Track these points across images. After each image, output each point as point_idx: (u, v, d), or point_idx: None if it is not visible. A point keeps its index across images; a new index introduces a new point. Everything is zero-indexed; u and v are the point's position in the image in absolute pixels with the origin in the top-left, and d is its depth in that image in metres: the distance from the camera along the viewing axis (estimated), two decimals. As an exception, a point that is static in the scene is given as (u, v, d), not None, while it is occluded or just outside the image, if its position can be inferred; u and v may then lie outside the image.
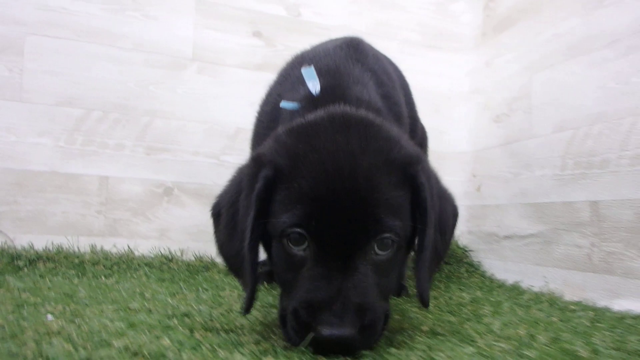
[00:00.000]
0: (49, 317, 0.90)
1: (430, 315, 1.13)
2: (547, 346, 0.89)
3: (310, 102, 1.05)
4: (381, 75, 1.24)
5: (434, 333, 0.95)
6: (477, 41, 2.10)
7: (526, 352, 0.83)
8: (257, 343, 0.80)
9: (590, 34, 1.53)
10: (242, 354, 0.73)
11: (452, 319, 1.09)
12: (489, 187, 1.94)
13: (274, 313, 1.04)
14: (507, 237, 1.81)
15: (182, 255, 1.66)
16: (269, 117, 1.21)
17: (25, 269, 1.39)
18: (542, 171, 1.66)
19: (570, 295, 1.48)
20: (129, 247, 1.61)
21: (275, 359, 0.73)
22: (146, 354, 0.70)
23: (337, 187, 0.82)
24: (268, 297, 1.25)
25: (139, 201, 1.67)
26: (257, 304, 1.14)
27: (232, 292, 1.27)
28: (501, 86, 1.91)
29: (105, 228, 1.62)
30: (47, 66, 1.62)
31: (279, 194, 0.86)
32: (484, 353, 0.81)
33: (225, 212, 0.95)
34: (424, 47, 2.09)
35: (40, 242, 1.53)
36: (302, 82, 1.12)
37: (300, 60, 1.23)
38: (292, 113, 1.07)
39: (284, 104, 1.10)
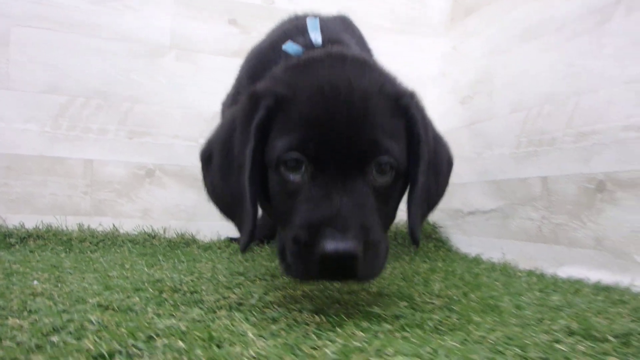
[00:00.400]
0: (35, 282, 1.02)
1: (383, 281, 1.25)
2: (475, 302, 1.01)
3: (312, 50, 1.04)
4: (368, 47, 1.34)
5: (379, 294, 1.07)
6: (446, 26, 2.20)
7: (454, 307, 0.95)
8: (216, 301, 0.92)
9: (543, 19, 1.64)
10: (200, 308, 0.85)
11: (402, 283, 1.22)
12: (455, 166, 2.05)
13: (239, 278, 1.15)
14: (470, 213, 1.93)
15: (164, 232, 1.78)
16: (256, 67, 1.16)
17: (17, 246, 1.51)
18: (501, 150, 1.78)
19: (524, 264, 1.61)
20: (114, 225, 1.73)
21: (229, 312, 0.84)
22: (116, 307, 0.82)
23: (334, 110, 0.82)
24: (232, 264, 1.36)
25: (123, 183, 1.79)
26: (223, 269, 1.26)
27: (207, 263, 1.39)
28: (466, 70, 2.02)
29: (91, 208, 1.74)
30: (32, 56, 1.72)
31: (277, 122, 0.86)
32: (415, 307, 0.94)
33: (218, 153, 0.93)
34: (395, 32, 2.19)
35: (31, 221, 1.65)
36: (300, 33, 1.12)
37: (295, 19, 1.24)
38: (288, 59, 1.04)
39: (289, 46, 1.08)
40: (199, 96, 1.89)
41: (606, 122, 1.36)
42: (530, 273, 1.47)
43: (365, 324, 0.78)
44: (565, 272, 1.44)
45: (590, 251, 1.40)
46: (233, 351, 0.61)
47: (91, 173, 1.75)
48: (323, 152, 0.81)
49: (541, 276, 1.42)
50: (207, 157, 0.97)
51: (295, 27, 1.16)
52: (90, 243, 1.57)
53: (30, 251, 1.43)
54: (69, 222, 1.69)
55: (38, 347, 0.60)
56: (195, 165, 1.86)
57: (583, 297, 1.13)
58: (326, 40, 1.08)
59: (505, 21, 1.82)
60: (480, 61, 1.93)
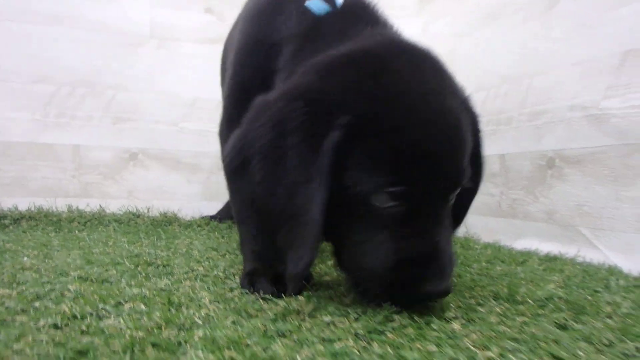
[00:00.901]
0: (25, 259, 1.14)
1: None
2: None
3: (336, 13, 0.96)
4: None
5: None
6: (417, 8, 2.29)
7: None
8: (184, 273, 1.03)
9: (502, 2, 1.73)
10: (168, 279, 0.97)
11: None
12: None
13: (211, 253, 1.27)
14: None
15: (148, 211, 1.89)
16: (259, 35, 1.05)
17: (11, 227, 1.63)
18: (466, 129, 1.88)
19: (486, 238, 1.73)
20: (100, 206, 1.84)
21: (193, 282, 0.96)
22: (93, 279, 0.93)
23: (435, 138, 0.74)
24: (209, 239, 1.48)
25: (108, 166, 1.90)
26: (198, 245, 1.38)
27: (185, 240, 1.51)
28: (435, 50, 2.11)
29: (79, 190, 1.85)
30: (19, 49, 1.82)
31: (361, 145, 0.74)
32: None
33: (260, 163, 0.78)
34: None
35: (24, 204, 1.77)
36: None
37: None
38: (310, 23, 0.96)
39: (314, 3, 0.97)
40: (179, 83, 1.99)
41: (555, 102, 1.46)
42: (487, 246, 1.59)
43: (311, 292, 0.90)
44: (521, 244, 1.56)
45: (543, 224, 1.52)
46: (187, 313, 0.73)
47: (79, 157, 1.86)
48: (426, 184, 0.75)
49: (498, 248, 1.54)
50: (239, 164, 0.82)
51: None
52: (79, 223, 1.69)
53: (23, 231, 1.55)
54: (59, 204, 1.81)
55: (23, 310, 0.71)
56: (176, 148, 1.98)
57: (526, 267, 1.25)
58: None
59: (470, 4, 1.91)
60: (447, 43, 2.02)
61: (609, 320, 0.78)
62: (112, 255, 1.18)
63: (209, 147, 1.93)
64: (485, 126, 1.75)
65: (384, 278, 0.76)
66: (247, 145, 0.81)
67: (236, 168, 0.83)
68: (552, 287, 1.01)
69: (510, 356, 0.61)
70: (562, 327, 0.75)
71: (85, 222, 1.71)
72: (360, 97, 0.75)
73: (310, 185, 0.73)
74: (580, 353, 0.63)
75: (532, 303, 0.88)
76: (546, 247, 1.47)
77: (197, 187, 1.96)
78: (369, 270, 0.77)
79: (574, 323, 0.76)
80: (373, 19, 1.00)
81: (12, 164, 1.81)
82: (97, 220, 1.73)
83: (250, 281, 0.88)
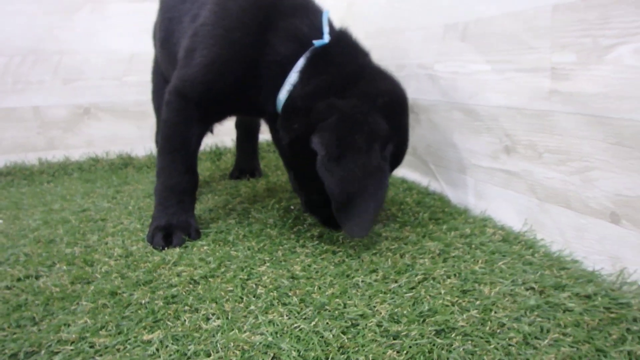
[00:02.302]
0: (0, 221, 1.54)
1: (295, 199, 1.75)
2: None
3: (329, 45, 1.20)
4: None
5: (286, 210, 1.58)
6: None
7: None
8: (113, 226, 1.43)
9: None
10: (98, 235, 1.36)
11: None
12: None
13: (145, 201, 1.66)
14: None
15: (106, 155, 2.26)
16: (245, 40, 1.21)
17: (-8, 182, 2.01)
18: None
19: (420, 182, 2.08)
20: (65, 156, 2.21)
21: (114, 237, 1.35)
22: (43, 241, 1.32)
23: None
24: (152, 184, 1.85)
25: (66, 121, 2.22)
26: (139, 192, 1.76)
27: (132, 186, 1.89)
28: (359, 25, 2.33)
29: (45, 144, 2.20)
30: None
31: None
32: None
33: (354, 157, 1.07)
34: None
35: (0, 161, 2.13)
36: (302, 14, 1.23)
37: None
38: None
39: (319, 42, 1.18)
40: (116, 40, 2.24)
41: (409, 59, 1.74)
42: (412, 185, 1.95)
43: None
44: (401, 173, 1.91)
45: (410, 157, 1.85)
46: (93, 269, 1.13)
47: (40, 116, 2.18)
48: None
49: (419, 189, 1.89)
50: (338, 155, 1.07)
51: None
52: (47, 174, 2.06)
53: (2, 188, 1.93)
54: (29, 157, 2.17)
55: (-10, 275, 1.12)
56: (122, 100, 2.29)
57: (394, 190, 1.64)
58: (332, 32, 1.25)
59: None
60: (375, 17, 2.24)
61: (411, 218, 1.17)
62: (65, 212, 1.57)
63: (150, 96, 2.23)
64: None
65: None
66: (344, 143, 1.08)
67: (337, 157, 1.07)
68: (407, 201, 1.40)
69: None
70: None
71: (53, 173, 2.08)
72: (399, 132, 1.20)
73: (383, 177, 1.10)
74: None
75: (387, 210, 1.26)
76: (412, 176, 1.82)
77: (146, 130, 2.30)
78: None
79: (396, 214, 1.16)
80: (361, 51, 1.29)
81: (-15, 125, 2.15)
82: (62, 170, 2.10)
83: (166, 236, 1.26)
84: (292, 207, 1.50)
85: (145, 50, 1.99)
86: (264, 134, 2.08)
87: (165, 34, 1.48)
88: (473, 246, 1.15)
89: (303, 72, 1.19)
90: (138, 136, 2.31)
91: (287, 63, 1.20)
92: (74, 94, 2.22)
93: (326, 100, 1.13)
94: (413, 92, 1.74)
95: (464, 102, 1.45)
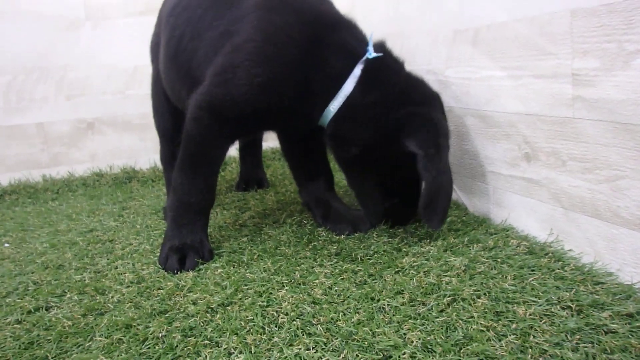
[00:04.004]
0: (6, 244, 1.46)
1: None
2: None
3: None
4: None
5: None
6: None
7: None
8: (123, 248, 1.36)
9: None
10: (107, 259, 1.29)
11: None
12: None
13: (152, 218, 1.58)
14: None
15: (110, 169, 2.19)
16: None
17: (-3, 202, 1.94)
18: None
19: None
20: (69, 172, 2.13)
21: (124, 261, 1.28)
22: (52, 266, 1.25)
23: None
24: (158, 199, 1.78)
25: (70, 136, 2.15)
26: (145, 208, 1.69)
27: (138, 201, 1.81)
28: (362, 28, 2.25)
29: (49, 161, 2.13)
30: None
31: None
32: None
33: (444, 155, 1.19)
34: None
35: (4, 179, 2.06)
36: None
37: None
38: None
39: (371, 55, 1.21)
40: (118, 55, 2.17)
41: (417, 64, 1.67)
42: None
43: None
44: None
45: None
46: (105, 298, 1.06)
47: (44, 133, 2.11)
48: None
49: None
50: (433, 154, 1.16)
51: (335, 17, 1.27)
52: (52, 191, 1.99)
53: (7, 208, 1.86)
54: (34, 175, 2.09)
55: (-1, 307, 1.04)
56: (125, 112, 2.21)
57: None
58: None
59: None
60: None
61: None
62: (72, 234, 1.50)
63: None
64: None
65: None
66: (436, 143, 1.17)
67: (434, 152, 1.16)
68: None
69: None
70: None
71: (58, 190, 2.01)
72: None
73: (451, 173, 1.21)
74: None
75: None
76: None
77: (149, 142, 2.23)
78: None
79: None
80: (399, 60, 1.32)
81: (-11, 147, 2.07)
82: (67, 187, 2.03)
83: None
84: (304, 222, 1.43)
85: (147, 63, 1.92)
86: (268, 142, 2.02)
87: (175, 51, 1.40)
88: (499, 260, 1.08)
89: (361, 83, 1.20)
90: (141, 148, 2.24)
91: (342, 76, 1.20)
92: (77, 109, 2.15)
93: (404, 108, 1.20)
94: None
95: (479, 109, 1.38)
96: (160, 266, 1.20)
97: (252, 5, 1.23)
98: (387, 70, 1.23)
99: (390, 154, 1.22)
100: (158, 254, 1.25)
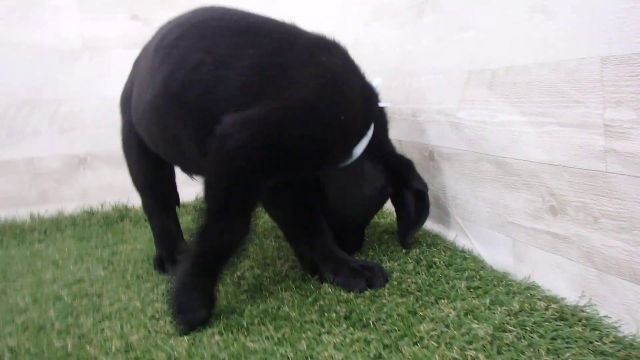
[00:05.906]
0: (-16, 297, 1.33)
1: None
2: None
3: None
4: None
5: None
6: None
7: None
8: (111, 304, 1.23)
9: (386, 2, 1.78)
10: (93, 317, 1.16)
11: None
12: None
13: (144, 266, 1.45)
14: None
15: (102, 207, 2.06)
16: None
17: (-21, 242, 1.80)
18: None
19: (445, 236, 1.89)
20: (58, 210, 2.00)
21: (111, 321, 1.15)
22: (32, 327, 1.12)
23: None
24: (150, 241, 1.65)
25: (61, 172, 2.03)
26: (137, 253, 1.55)
27: (129, 245, 1.68)
28: (366, 64, 2.17)
29: (37, 198, 2.00)
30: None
31: None
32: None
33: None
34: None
35: (-11, 217, 1.93)
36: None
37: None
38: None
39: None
40: (115, 88, 2.04)
41: (428, 104, 1.58)
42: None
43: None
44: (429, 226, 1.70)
45: (432, 207, 1.64)
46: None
47: (33, 168, 1.98)
48: None
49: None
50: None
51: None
52: (39, 232, 1.86)
53: (-11, 249, 1.72)
54: (20, 212, 1.96)
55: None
56: (120, 148, 2.09)
57: (417, 245, 1.44)
58: None
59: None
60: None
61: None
62: (57, 285, 1.36)
63: (148, 143, 2.04)
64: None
65: None
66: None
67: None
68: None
69: None
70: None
71: (45, 230, 1.88)
72: None
73: None
74: None
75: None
76: (434, 227, 1.63)
77: (144, 178, 2.10)
78: None
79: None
80: None
81: (-26, 182, 1.94)
82: (55, 226, 1.90)
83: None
84: (308, 276, 1.30)
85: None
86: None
87: (182, 84, 1.21)
88: (528, 329, 0.96)
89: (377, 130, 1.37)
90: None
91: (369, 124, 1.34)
92: (70, 144, 2.03)
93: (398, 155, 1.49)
94: (433, 138, 1.57)
95: (496, 154, 1.28)
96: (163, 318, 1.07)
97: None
98: (384, 114, 1.46)
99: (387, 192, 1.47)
100: (149, 313, 1.13)
